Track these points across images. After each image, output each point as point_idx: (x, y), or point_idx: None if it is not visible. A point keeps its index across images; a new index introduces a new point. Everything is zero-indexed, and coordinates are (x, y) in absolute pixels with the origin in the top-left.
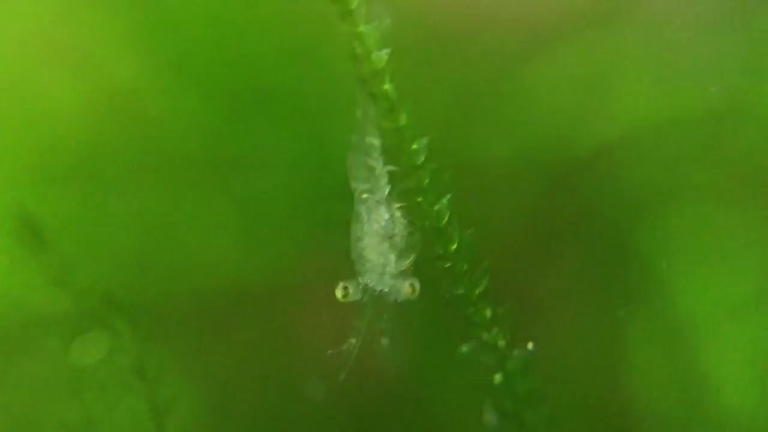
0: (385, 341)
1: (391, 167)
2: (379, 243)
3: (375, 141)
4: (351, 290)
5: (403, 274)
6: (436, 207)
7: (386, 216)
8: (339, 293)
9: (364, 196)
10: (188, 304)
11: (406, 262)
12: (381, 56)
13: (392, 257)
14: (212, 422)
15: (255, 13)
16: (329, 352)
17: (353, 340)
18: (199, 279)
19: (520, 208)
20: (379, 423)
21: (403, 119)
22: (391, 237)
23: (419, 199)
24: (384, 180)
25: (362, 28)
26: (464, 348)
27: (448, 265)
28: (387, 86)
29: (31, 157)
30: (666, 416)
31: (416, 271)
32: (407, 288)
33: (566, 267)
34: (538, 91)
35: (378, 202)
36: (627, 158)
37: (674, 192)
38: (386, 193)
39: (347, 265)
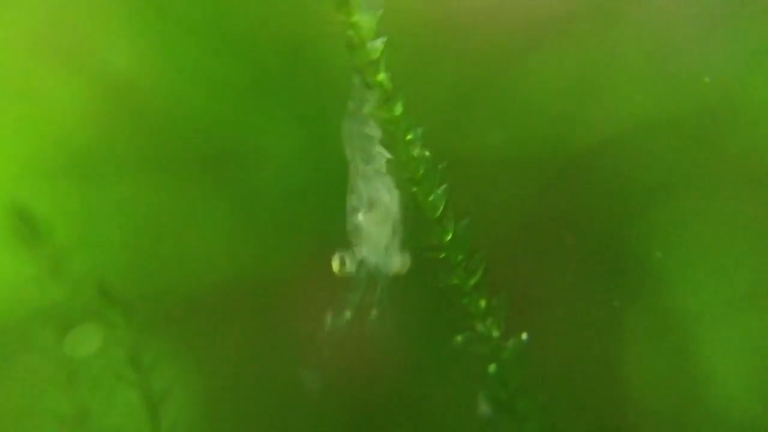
0: (374, 314)
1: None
2: (375, 214)
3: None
4: (347, 262)
5: (396, 248)
6: (431, 198)
7: (383, 187)
8: (335, 265)
9: (361, 166)
10: (184, 296)
11: (401, 235)
12: (376, 46)
13: (388, 229)
14: (207, 414)
15: (253, 9)
16: (326, 327)
17: (348, 313)
18: (195, 271)
19: (515, 199)
20: (374, 413)
21: (398, 109)
22: (387, 209)
23: (414, 190)
24: (380, 150)
25: (357, 17)
26: (459, 338)
27: (442, 255)
28: (382, 76)
29: (27, 150)
30: (659, 406)
31: (411, 258)
32: (398, 262)
33: (561, 258)
34: (535, 84)
35: (375, 172)
36: (623, 152)
37: (670, 186)
38: (383, 163)
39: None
